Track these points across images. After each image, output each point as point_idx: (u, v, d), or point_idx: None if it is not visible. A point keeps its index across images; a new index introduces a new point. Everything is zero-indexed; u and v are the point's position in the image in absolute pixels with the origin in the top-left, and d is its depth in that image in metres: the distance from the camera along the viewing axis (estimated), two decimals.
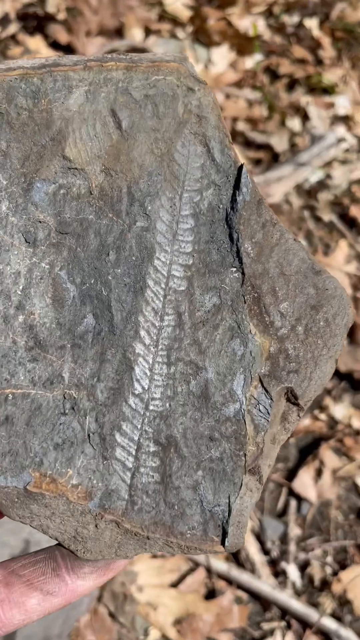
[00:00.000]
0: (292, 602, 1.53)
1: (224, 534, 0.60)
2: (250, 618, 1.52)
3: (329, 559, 1.62)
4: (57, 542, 0.60)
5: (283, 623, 1.52)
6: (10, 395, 0.58)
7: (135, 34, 2.26)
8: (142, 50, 2.20)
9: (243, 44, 2.42)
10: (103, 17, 2.14)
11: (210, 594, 1.52)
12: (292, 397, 0.63)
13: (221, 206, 0.65)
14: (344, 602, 1.56)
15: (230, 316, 0.63)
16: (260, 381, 0.62)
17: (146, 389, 0.61)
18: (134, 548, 0.59)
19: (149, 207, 0.63)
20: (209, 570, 1.54)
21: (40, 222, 0.61)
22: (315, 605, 1.56)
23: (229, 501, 0.60)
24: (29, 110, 0.62)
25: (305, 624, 1.52)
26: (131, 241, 0.62)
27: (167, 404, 0.61)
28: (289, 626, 1.52)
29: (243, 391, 0.61)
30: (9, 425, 0.58)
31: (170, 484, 0.60)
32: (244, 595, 1.55)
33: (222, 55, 2.38)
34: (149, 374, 0.61)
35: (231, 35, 2.41)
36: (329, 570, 1.61)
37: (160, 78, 0.65)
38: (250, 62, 2.44)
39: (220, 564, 1.54)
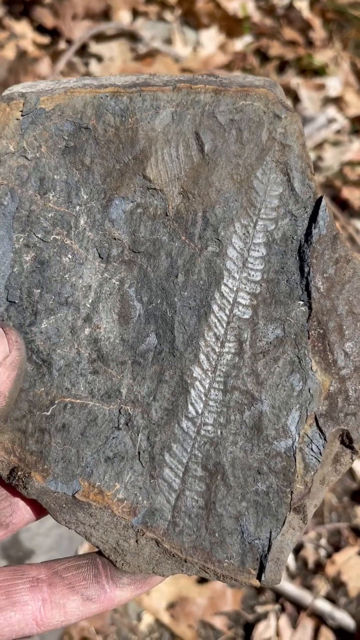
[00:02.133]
0: (286, 585, 1.51)
1: (262, 568, 0.59)
2: (244, 601, 1.52)
3: (323, 541, 1.60)
4: (97, 550, 0.62)
5: (277, 606, 1.52)
6: (69, 404, 0.60)
7: (123, 17, 2.22)
8: (129, 33, 2.15)
9: (232, 25, 2.35)
10: (89, 0, 2.12)
11: (204, 578, 1.52)
12: (346, 440, 0.62)
13: (295, 237, 0.64)
14: (338, 584, 1.54)
15: (292, 350, 0.62)
16: (316, 420, 0.61)
17: (200, 413, 0.61)
18: (171, 568, 0.60)
19: (222, 233, 0.63)
20: None
21: (115, 239, 0.63)
22: (309, 587, 1.54)
23: (270, 536, 0.60)
24: (116, 128, 0.63)
25: (299, 607, 1.51)
26: (200, 265, 0.63)
27: (219, 431, 0.61)
28: (283, 609, 1.51)
29: (297, 428, 0.61)
30: (65, 432, 0.60)
31: (214, 511, 0.60)
32: None
33: (211, 37, 2.32)
34: (204, 398, 0.61)
35: (220, 17, 2.34)
36: (322, 552, 1.59)
37: (248, 103, 0.64)
38: (240, 44, 2.37)
39: None
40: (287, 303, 0.63)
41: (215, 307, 0.63)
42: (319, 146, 2.28)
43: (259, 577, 0.60)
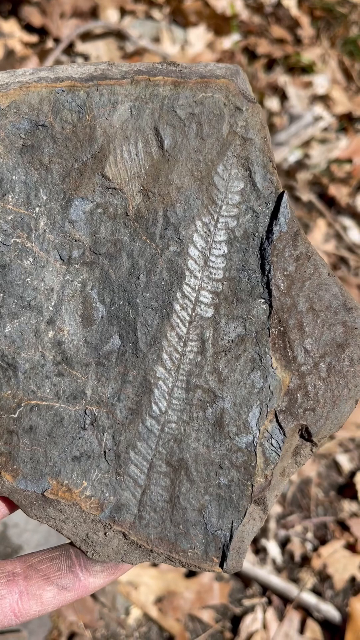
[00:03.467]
0: (273, 578, 1.56)
1: (224, 556, 0.63)
2: (231, 595, 1.57)
3: (309, 535, 1.65)
4: (70, 541, 0.65)
5: (264, 599, 1.56)
6: (35, 406, 0.62)
7: (110, 15, 2.18)
8: (117, 31, 2.12)
9: (220, 24, 2.33)
10: None
11: (191, 572, 1.56)
12: (306, 434, 0.64)
13: (257, 234, 0.64)
14: (324, 577, 1.59)
15: (253, 348, 0.63)
16: (276, 416, 0.63)
17: (163, 411, 0.63)
18: (139, 557, 0.64)
19: (183, 232, 0.63)
20: None
21: (75, 240, 0.62)
22: (295, 581, 1.59)
23: (232, 527, 0.63)
24: (74, 125, 0.62)
25: (285, 600, 1.56)
26: (162, 265, 0.63)
27: (182, 428, 0.63)
28: (269, 602, 1.56)
29: (257, 424, 0.63)
30: (32, 434, 0.62)
31: (178, 504, 0.63)
32: (224, 573, 1.58)
33: (199, 35, 2.30)
34: (167, 397, 0.63)
35: (208, 16, 2.31)
36: (309, 546, 1.64)
37: (208, 96, 0.63)
38: (228, 42, 2.36)
39: None
40: (248, 301, 0.64)
41: (177, 307, 0.63)
42: (306, 144, 2.26)
43: (221, 565, 0.63)
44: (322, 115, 2.30)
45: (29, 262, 0.62)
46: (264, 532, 1.65)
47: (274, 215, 0.63)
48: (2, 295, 0.62)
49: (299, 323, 0.63)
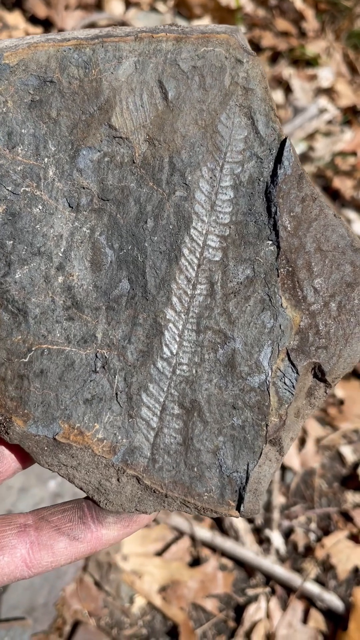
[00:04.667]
0: (276, 567, 1.54)
1: (240, 499, 0.61)
2: (235, 584, 1.55)
3: (313, 525, 1.63)
4: (84, 494, 0.63)
5: (267, 589, 1.55)
6: (46, 350, 0.62)
7: (115, 7, 2.21)
8: (121, 23, 2.14)
9: (225, 16, 2.35)
10: None
11: (195, 562, 1.55)
12: (319, 373, 0.63)
13: (262, 179, 0.65)
14: (327, 567, 1.57)
15: (262, 289, 0.63)
16: (288, 355, 0.62)
17: (174, 353, 0.63)
18: (153, 504, 0.62)
19: (189, 178, 0.64)
20: (193, 538, 1.56)
21: (84, 188, 0.64)
22: (299, 570, 1.57)
23: (248, 468, 0.61)
24: (80, 80, 0.64)
25: (289, 589, 1.54)
26: (169, 210, 0.64)
27: (194, 370, 0.62)
28: (273, 592, 1.54)
29: (269, 363, 0.62)
30: (43, 378, 0.61)
31: (192, 447, 0.62)
32: (228, 563, 1.57)
33: None
34: (178, 339, 0.63)
35: (212, 8, 2.34)
36: (312, 536, 1.62)
37: (209, 49, 0.65)
38: None
39: (204, 532, 1.56)
40: (255, 243, 0.64)
41: (185, 251, 0.64)
42: (311, 136, 2.29)
43: (237, 508, 0.61)
44: (326, 108, 2.32)
45: (38, 209, 0.63)
46: (267, 522, 1.63)
47: (278, 159, 0.65)
48: (12, 242, 0.63)
49: (307, 263, 0.64)
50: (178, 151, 0.64)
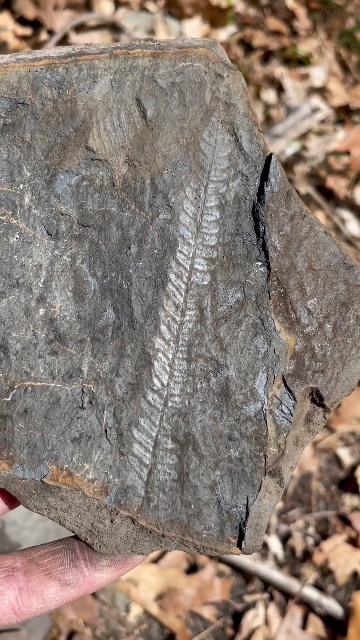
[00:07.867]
0: (274, 573, 1.52)
1: (241, 535, 0.58)
2: (233, 591, 1.53)
3: (311, 529, 1.61)
4: (74, 534, 0.60)
5: (265, 595, 1.52)
6: (29, 387, 0.59)
7: (105, 7, 2.18)
8: (111, 23, 2.12)
9: (216, 16, 2.33)
10: None
11: (192, 569, 1.52)
12: (317, 398, 0.61)
13: (248, 197, 0.62)
14: (326, 572, 1.55)
15: (254, 312, 0.61)
16: (284, 381, 0.60)
17: (165, 385, 0.60)
18: (150, 545, 0.59)
19: (173, 199, 0.61)
20: None
21: (62, 214, 0.61)
22: (297, 576, 1.55)
23: (247, 502, 0.58)
24: (54, 101, 0.61)
25: (287, 595, 1.52)
26: (153, 234, 0.61)
27: (186, 401, 0.59)
28: (271, 598, 1.52)
29: (265, 390, 0.59)
30: (27, 417, 0.58)
31: (188, 483, 0.59)
32: (225, 569, 1.55)
33: (194, 28, 2.30)
34: (168, 369, 0.60)
35: (203, 7, 2.31)
36: (310, 541, 1.60)
37: (188, 64, 0.63)
38: (224, 34, 2.36)
39: None
40: (245, 265, 0.61)
41: (172, 276, 0.61)
42: (304, 136, 2.28)
43: (239, 545, 0.58)
44: (319, 107, 2.31)
45: (15, 239, 0.60)
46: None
47: (264, 176, 0.62)
48: None
49: (299, 283, 0.61)
50: (160, 172, 0.61)
